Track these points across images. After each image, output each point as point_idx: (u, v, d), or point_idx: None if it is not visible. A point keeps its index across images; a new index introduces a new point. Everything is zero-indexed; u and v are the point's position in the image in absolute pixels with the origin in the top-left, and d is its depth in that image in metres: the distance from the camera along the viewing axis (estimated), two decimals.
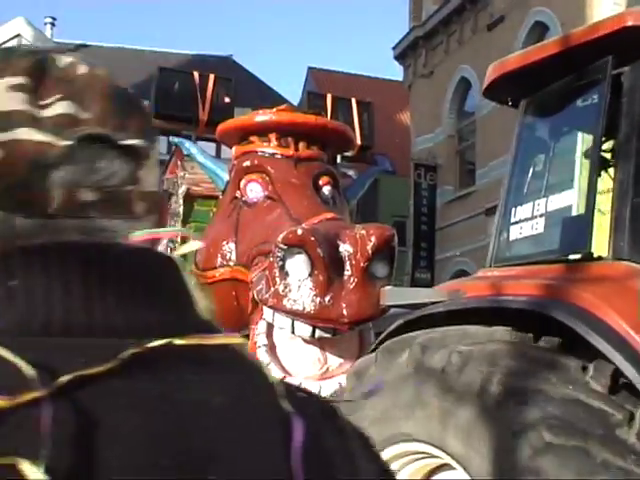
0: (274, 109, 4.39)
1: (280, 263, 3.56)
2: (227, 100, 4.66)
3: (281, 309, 3.57)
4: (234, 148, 4.46)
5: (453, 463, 2.48)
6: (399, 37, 18.23)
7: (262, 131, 4.33)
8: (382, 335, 2.92)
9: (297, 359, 3.81)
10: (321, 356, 3.82)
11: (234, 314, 4.23)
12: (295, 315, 3.56)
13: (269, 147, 4.31)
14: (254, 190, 4.26)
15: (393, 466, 2.65)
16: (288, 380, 3.80)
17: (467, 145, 16.99)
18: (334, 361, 3.83)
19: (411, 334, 2.67)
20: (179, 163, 4.69)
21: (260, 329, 3.81)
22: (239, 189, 4.33)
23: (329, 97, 4.85)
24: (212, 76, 4.61)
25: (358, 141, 4.14)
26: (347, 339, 3.82)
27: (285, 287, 3.55)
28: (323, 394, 3.80)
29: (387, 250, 3.61)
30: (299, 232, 3.49)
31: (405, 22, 18.25)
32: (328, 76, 21.65)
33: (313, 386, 3.78)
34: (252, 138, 4.37)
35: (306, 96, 4.55)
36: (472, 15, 16.85)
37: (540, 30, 15.78)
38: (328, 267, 3.49)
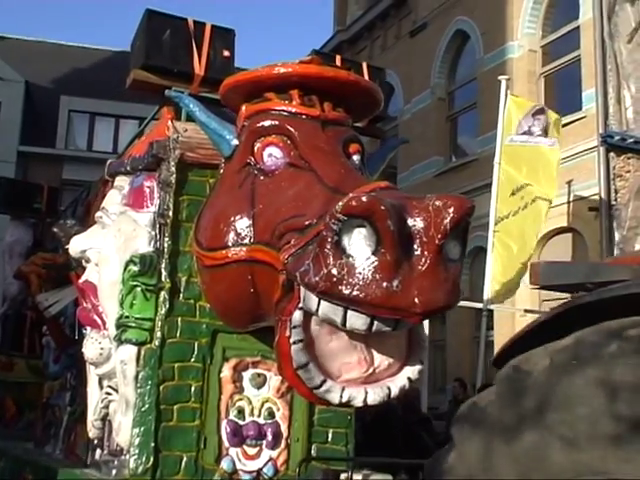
0: (297, 60, 3.49)
1: (335, 239, 2.67)
2: (226, 54, 3.76)
3: (336, 295, 2.67)
4: (243, 107, 3.52)
5: None
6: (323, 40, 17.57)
7: (282, 86, 3.41)
8: (507, 342, 2.08)
9: (339, 358, 2.92)
10: (367, 355, 2.95)
11: (248, 302, 3.31)
12: (353, 303, 2.67)
13: (290, 106, 3.40)
14: (273, 155, 3.34)
15: None
16: (329, 384, 2.92)
17: None
18: (382, 362, 2.97)
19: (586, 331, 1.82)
20: (170, 124, 3.71)
21: (295, 321, 2.90)
22: (252, 154, 3.40)
23: (338, 58, 4.04)
24: (209, 25, 3.71)
25: None
26: (396, 335, 2.97)
27: (341, 268, 2.65)
28: (369, 401, 2.94)
29: (463, 227, 2.77)
30: (364, 199, 2.61)
31: (329, 26, 17.58)
32: None
33: (358, 392, 2.92)
34: (269, 95, 3.44)
35: (313, 55, 3.81)
36: (396, 21, 16.37)
37: (461, 38, 15.50)
38: (397, 244, 2.63)
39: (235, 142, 3.50)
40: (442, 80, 15.41)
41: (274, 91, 3.43)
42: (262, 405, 3.66)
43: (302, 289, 2.87)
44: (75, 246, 4.02)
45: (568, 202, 12.44)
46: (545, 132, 10.30)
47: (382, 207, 2.58)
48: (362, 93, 3.53)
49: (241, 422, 3.62)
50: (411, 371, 3.00)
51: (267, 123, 3.39)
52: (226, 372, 3.64)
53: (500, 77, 10.87)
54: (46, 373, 6.34)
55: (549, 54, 13.89)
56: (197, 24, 3.93)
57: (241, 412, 3.62)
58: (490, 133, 12.49)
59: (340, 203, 2.64)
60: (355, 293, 2.64)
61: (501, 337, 13.27)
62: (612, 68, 12.15)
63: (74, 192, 8.04)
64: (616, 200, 11.87)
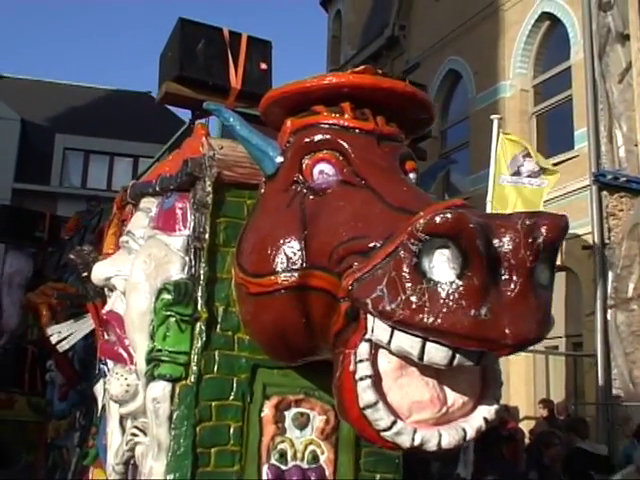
0: (348, 71, 3.12)
1: (414, 261, 2.27)
2: (263, 67, 3.42)
3: (416, 325, 2.27)
4: (288, 121, 3.14)
5: None
6: None
7: (333, 98, 3.04)
8: None
9: (409, 396, 2.51)
10: (440, 393, 2.54)
11: (299, 334, 2.87)
12: (436, 333, 2.27)
13: (342, 119, 3.02)
14: (325, 172, 2.95)
15: None
16: (400, 425, 2.50)
17: None
18: (456, 400, 2.56)
19: None
20: (204, 140, 3.32)
21: (362, 354, 2.50)
22: (301, 172, 3.00)
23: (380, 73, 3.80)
24: (245, 36, 3.37)
25: None
26: (469, 370, 2.56)
27: (422, 294, 2.26)
28: (444, 445, 2.52)
29: (554, 249, 2.39)
30: (450, 216, 2.22)
31: (323, 64, 17.43)
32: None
33: (431, 435, 2.49)
34: (317, 108, 3.06)
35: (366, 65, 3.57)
36: (388, 61, 16.24)
37: (453, 77, 15.39)
38: (486, 267, 2.24)
39: (279, 159, 3.11)
40: (435, 119, 15.26)
41: (324, 103, 3.05)
42: (305, 448, 3.22)
43: (370, 318, 2.47)
44: (99, 273, 3.58)
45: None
46: (534, 173, 10.11)
47: (471, 225, 2.20)
48: (418, 107, 3.17)
49: (283, 467, 3.17)
50: (487, 411, 2.59)
51: (317, 138, 3.00)
52: (267, 411, 3.20)
53: (492, 116, 10.69)
54: (50, 411, 5.84)
55: (541, 94, 13.77)
56: (232, 34, 3.55)
57: (283, 456, 3.17)
58: (482, 172, 12.27)
59: (421, 221, 2.25)
60: (438, 322, 2.24)
61: None
62: (604, 107, 11.99)
63: None
64: (609, 239, 11.63)
